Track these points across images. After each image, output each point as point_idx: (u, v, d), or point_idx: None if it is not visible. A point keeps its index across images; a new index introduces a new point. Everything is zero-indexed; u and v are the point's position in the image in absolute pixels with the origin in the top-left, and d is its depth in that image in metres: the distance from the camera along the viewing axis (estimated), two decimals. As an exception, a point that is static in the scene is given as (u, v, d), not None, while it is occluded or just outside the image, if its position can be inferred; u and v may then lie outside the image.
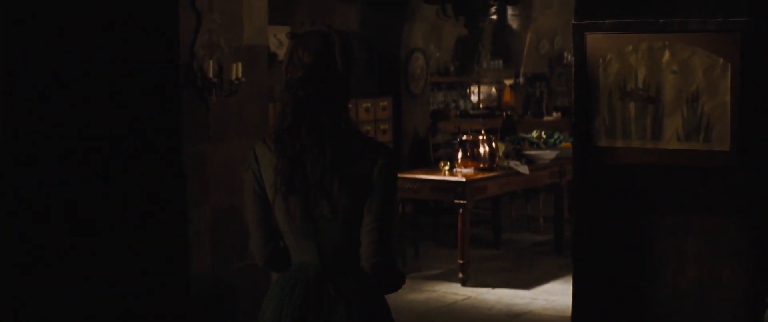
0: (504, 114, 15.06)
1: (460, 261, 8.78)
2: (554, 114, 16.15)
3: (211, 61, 6.86)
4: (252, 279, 7.26)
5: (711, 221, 4.97)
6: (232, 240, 7.20)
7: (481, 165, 9.12)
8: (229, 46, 7.07)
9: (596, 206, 5.18)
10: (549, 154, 9.85)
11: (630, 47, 4.96)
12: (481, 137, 9.19)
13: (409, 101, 13.04)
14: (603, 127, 4.99)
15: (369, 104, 12.26)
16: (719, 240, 4.98)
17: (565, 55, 16.88)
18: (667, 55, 4.95)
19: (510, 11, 16.10)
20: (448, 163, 9.23)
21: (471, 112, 14.77)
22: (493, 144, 9.22)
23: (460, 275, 8.84)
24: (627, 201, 5.09)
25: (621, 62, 4.98)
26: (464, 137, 9.25)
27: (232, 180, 7.09)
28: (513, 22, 16.20)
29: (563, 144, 10.32)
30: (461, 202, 8.68)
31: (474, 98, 15.41)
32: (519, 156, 9.76)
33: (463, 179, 8.71)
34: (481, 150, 9.13)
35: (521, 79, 16.33)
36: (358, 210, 3.28)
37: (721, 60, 4.90)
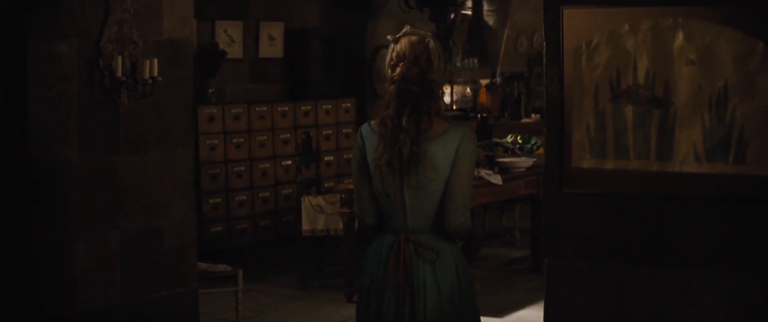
0: (479, 116, 14.03)
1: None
2: (533, 116, 15.17)
3: (121, 58, 5.81)
4: (177, 310, 6.25)
5: (741, 277, 3.68)
6: (150, 267, 6.16)
7: (448, 175, 8.05)
8: (144, 40, 6.03)
9: (575, 252, 3.94)
10: (525, 162, 8.81)
11: (626, 27, 3.65)
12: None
13: (375, 103, 12.01)
14: (586, 140, 3.73)
15: (330, 106, 11.25)
16: (752, 304, 3.66)
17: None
18: (680, 37, 3.63)
19: (486, 6, 15.12)
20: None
21: (444, 113, 13.69)
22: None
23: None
24: (620, 247, 3.83)
25: (613, 48, 3.72)
26: (428, 144, 8.20)
27: (150, 197, 6.05)
28: (489, 18, 15.19)
29: (541, 150, 9.30)
30: (424, 218, 7.64)
31: (447, 99, 14.35)
32: (492, 164, 8.72)
33: (426, 192, 7.67)
34: (447, 158, 8.07)
35: (498, 79, 15.33)
36: (442, 183, 3.92)
37: (761, 45, 3.62)
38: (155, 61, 5.99)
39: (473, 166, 4.01)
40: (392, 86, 4.02)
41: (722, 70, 3.58)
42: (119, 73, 5.83)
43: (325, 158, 10.82)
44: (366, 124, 4.14)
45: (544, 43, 4.05)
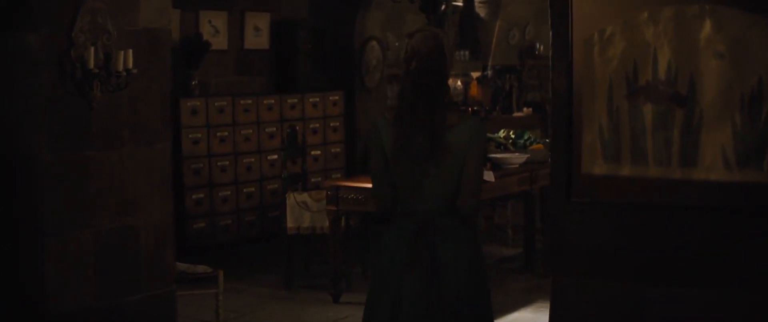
0: (470, 109, 13.72)
1: (412, 286, 7.45)
2: (525, 110, 14.88)
3: (94, 49, 5.52)
4: (154, 313, 5.98)
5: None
6: (126, 268, 5.88)
7: (438, 172, 7.77)
8: (119, 30, 5.73)
9: (585, 270, 3.57)
10: (518, 158, 8.53)
11: (645, 15, 3.31)
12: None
13: (364, 96, 11.75)
14: (599, 143, 3.39)
15: (317, 99, 10.96)
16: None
17: (538, 46, 15.68)
18: (707, 27, 3.30)
19: (477, -3, 14.79)
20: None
21: (434, 107, 13.39)
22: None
23: (413, 302, 7.51)
24: (636, 264, 3.45)
25: (630, 39, 3.38)
26: (417, 139, 7.91)
27: (125, 195, 5.77)
28: (481, 10, 14.88)
29: (535, 146, 9.04)
30: (412, 216, 7.36)
31: (438, 93, 14.05)
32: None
33: (415, 190, 7.39)
34: (438, 154, 7.79)
35: (489, 72, 15.02)
36: (455, 168, 4.19)
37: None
38: (130, 52, 5.70)
39: (485, 153, 4.47)
40: (408, 79, 4.27)
41: (756, 65, 3.22)
42: (92, 65, 5.54)
43: (312, 153, 10.55)
44: (380, 116, 4.39)
45: (551, 33, 3.72)
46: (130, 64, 5.67)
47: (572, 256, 3.65)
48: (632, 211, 3.48)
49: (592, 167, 3.50)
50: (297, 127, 9.20)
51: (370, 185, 7.56)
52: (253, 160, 10.22)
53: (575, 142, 3.51)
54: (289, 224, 8.25)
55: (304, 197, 8.27)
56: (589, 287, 3.63)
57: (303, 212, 8.23)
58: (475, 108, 13.89)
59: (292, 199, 8.26)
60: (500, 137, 9.24)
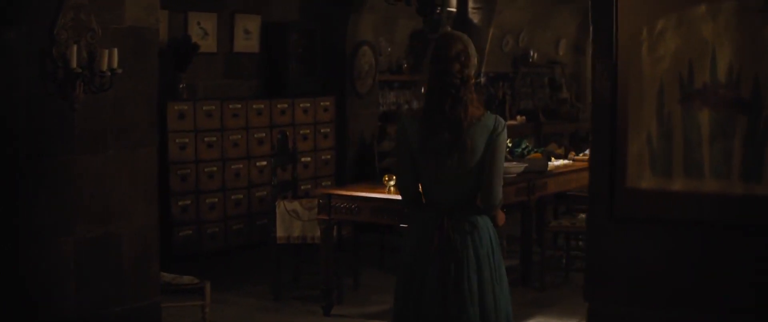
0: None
1: (406, 299, 7.17)
2: (519, 118, 14.67)
3: (77, 47, 5.24)
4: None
5: None
6: (108, 278, 5.59)
7: (434, 180, 7.50)
8: (103, 28, 5.45)
9: (628, 296, 3.13)
10: (516, 168, 8.25)
11: (702, 8, 2.93)
12: (433, 147, 7.58)
13: (355, 102, 11.47)
14: (647, 154, 3.02)
15: (308, 104, 10.68)
16: None
17: (531, 53, 15.47)
18: None
19: (471, 4, 14.51)
20: (394, 176, 7.60)
21: (426, 114, 13.12)
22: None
23: (407, 315, 7.22)
24: (687, 290, 2.98)
25: (684, 36, 3.02)
26: (413, 146, 7.63)
27: (108, 202, 5.48)
28: (474, 16, 14.60)
29: (532, 155, 8.75)
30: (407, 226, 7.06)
31: (430, 99, 13.78)
32: (479, 169, 8.16)
33: (410, 199, 7.10)
34: (434, 162, 7.52)
35: (482, 79, 14.76)
36: (476, 162, 4.49)
37: None
38: (115, 51, 5.43)
39: (505, 147, 4.67)
40: (435, 80, 4.54)
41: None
42: (74, 64, 5.29)
43: (302, 159, 10.26)
44: (407, 115, 4.83)
45: (591, 29, 3.37)
46: (115, 64, 5.41)
47: (613, 279, 3.33)
48: (684, 230, 3.11)
49: (638, 180, 3.17)
50: (287, 133, 8.90)
51: (362, 194, 7.48)
52: (241, 166, 9.94)
53: (619, 153, 3.16)
54: (279, 233, 7.96)
55: (295, 205, 7.98)
56: (632, 315, 3.25)
57: (293, 220, 7.95)
58: (398, 123, 13.59)
59: (282, 207, 7.97)
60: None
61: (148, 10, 5.79)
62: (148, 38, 5.81)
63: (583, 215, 8.59)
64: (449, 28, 4.55)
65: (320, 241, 7.59)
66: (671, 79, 3.12)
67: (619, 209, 3.18)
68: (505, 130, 4.58)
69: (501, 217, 4.74)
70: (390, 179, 7.60)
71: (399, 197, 7.10)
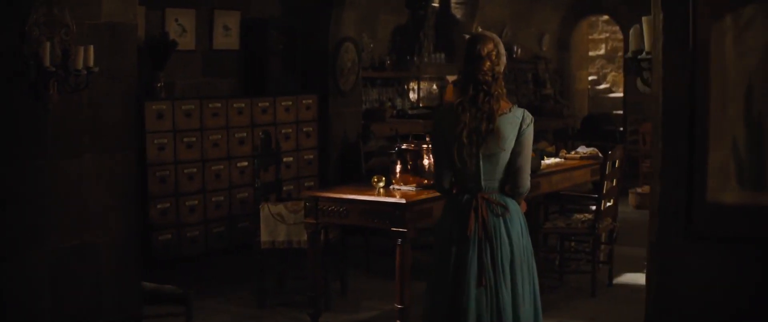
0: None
1: (399, 306, 6.83)
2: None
3: (50, 44, 4.89)
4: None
5: None
6: (86, 291, 5.25)
7: (425, 181, 7.19)
8: (78, 23, 5.10)
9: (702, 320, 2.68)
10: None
11: None
12: (424, 145, 7.26)
13: (338, 100, 11.15)
14: (732, 163, 2.58)
15: (290, 103, 10.37)
16: None
17: (515, 48, 15.19)
18: None
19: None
20: (383, 178, 7.29)
21: (409, 112, 12.84)
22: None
23: (399, 322, 6.92)
24: None
25: None
26: (404, 146, 7.31)
27: (85, 209, 5.13)
28: (457, 12, 14.32)
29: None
30: (400, 230, 6.75)
31: (413, 96, 13.48)
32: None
33: (403, 201, 6.78)
34: (425, 162, 7.20)
35: (466, 76, 14.44)
36: (508, 152, 4.95)
37: None
38: (91, 48, 5.12)
39: (532, 139, 5.02)
40: (470, 76, 5.01)
41: None
42: (48, 63, 4.99)
43: (285, 159, 9.93)
44: (441, 109, 5.31)
45: (661, 16, 2.94)
46: (91, 62, 5.10)
47: (685, 303, 2.94)
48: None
49: (721, 194, 2.79)
50: (270, 132, 8.58)
51: (350, 196, 7.15)
52: (222, 167, 9.62)
53: (697, 163, 2.76)
54: (264, 237, 7.63)
55: (280, 208, 7.66)
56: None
57: (278, 224, 7.62)
58: (433, 117, 13.32)
59: (267, 210, 7.64)
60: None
61: (125, 4, 5.47)
62: (126, 34, 5.50)
63: (578, 216, 8.31)
64: (480, 29, 5.20)
65: (307, 246, 7.27)
66: (761, 78, 2.70)
67: (697, 226, 2.79)
68: (533, 124, 5.01)
69: (523, 205, 5.22)
70: (379, 181, 7.29)
71: (390, 199, 6.99)
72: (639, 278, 8.53)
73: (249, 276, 8.35)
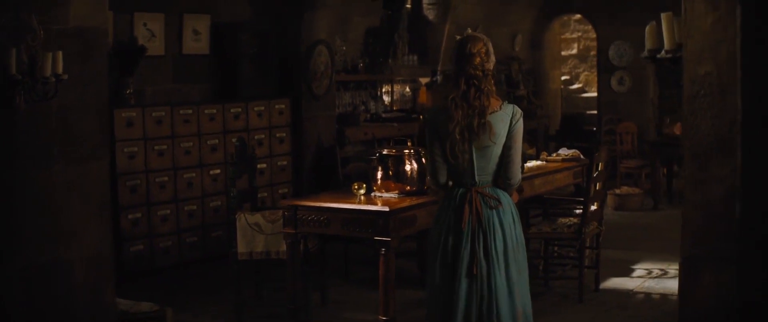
0: (421, 117, 12.93)
1: (384, 318, 6.58)
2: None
3: (16, 51, 4.61)
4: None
5: None
6: (57, 310, 4.97)
7: (407, 188, 6.97)
8: (46, 28, 4.82)
9: None
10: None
11: None
12: (406, 151, 7.03)
13: (312, 104, 10.91)
14: None
15: (262, 107, 10.11)
16: None
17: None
18: None
19: (426, 0, 14.00)
20: (364, 185, 7.05)
21: (383, 115, 12.61)
22: (423, 159, 7.06)
23: (383, 335, 6.68)
24: None
25: None
26: (385, 151, 7.07)
27: (56, 223, 4.86)
28: (429, 13, 14.10)
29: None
30: (384, 239, 6.51)
31: (386, 99, 13.25)
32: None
33: (386, 209, 6.54)
34: (407, 167, 6.98)
35: (439, 77, 14.24)
36: (500, 147, 5.23)
37: None
38: (60, 54, 4.83)
39: (522, 133, 5.27)
40: (462, 74, 5.19)
41: None
42: (14, 70, 4.68)
43: (258, 166, 9.66)
44: (433, 107, 5.34)
45: (739, 11, 2.60)
46: (60, 69, 4.81)
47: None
48: None
49: None
50: (245, 139, 8.32)
51: (331, 204, 6.90)
52: (194, 175, 9.35)
53: None
54: (241, 248, 7.37)
55: (257, 218, 7.39)
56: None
57: (256, 235, 7.36)
58: (425, 116, 13.11)
59: (243, 220, 7.38)
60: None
61: (95, 9, 5.20)
62: (95, 40, 5.23)
63: (562, 220, 8.10)
64: (470, 31, 5.40)
65: (287, 256, 7.02)
66: None
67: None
68: (522, 119, 5.27)
69: (515, 196, 5.46)
70: (359, 188, 7.06)
71: (372, 207, 6.75)
72: (626, 283, 8.36)
73: (224, 288, 8.09)
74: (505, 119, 5.21)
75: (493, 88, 5.25)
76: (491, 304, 5.21)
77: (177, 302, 7.43)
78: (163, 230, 9.03)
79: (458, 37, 5.31)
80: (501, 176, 5.30)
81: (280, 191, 10.36)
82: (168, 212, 9.08)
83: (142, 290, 7.30)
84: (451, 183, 5.34)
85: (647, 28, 4.75)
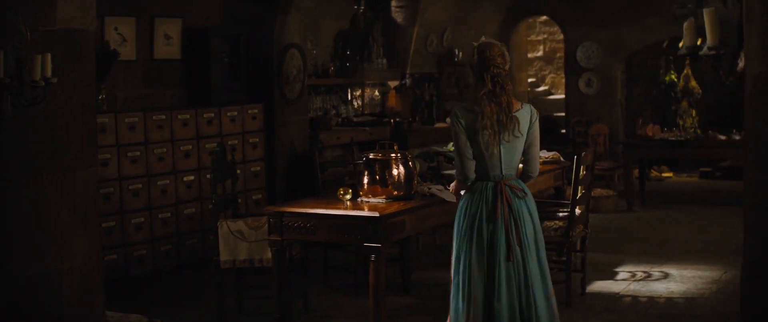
0: (392, 121, 12.81)
1: (375, 328, 6.43)
2: (448, 120, 13.97)
3: (4, 54, 4.41)
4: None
5: None
6: (46, 318, 4.77)
7: (395, 192, 6.82)
8: (32, 30, 4.62)
9: None
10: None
11: None
12: (393, 155, 6.88)
13: (284, 109, 10.72)
14: None
15: (235, 112, 9.91)
16: None
17: (457, 52, 14.86)
18: None
19: (394, 2, 13.87)
20: (349, 190, 6.90)
21: (355, 119, 12.45)
22: (410, 163, 6.92)
23: (373, 344, 6.52)
24: None
25: None
26: (371, 155, 6.92)
27: (44, 234, 4.66)
28: (397, 15, 13.97)
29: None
30: (374, 245, 6.35)
31: (356, 103, 13.09)
32: (437, 177, 7.51)
33: (376, 214, 6.38)
34: (394, 172, 6.83)
35: (408, 81, 14.12)
36: (522, 142, 5.71)
37: None
38: (49, 57, 4.61)
39: (539, 131, 5.78)
40: (486, 73, 5.64)
41: None
42: (1, 74, 4.44)
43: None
44: (459, 106, 5.74)
45: None
46: (49, 73, 4.59)
47: None
48: None
49: None
50: (224, 144, 8.12)
51: (318, 211, 6.73)
52: (167, 182, 9.14)
53: None
54: (223, 257, 7.18)
55: (240, 225, 7.21)
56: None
57: (238, 242, 7.18)
58: (398, 119, 12.98)
59: (226, 227, 7.20)
60: (450, 150, 8.29)
61: (83, 9, 4.99)
62: (83, 42, 5.01)
63: (547, 223, 7.97)
64: (484, 38, 5.86)
65: (272, 264, 6.84)
66: None
67: None
68: (538, 116, 5.77)
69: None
70: (346, 193, 6.90)
71: (361, 213, 6.57)
72: (611, 286, 8.26)
73: (201, 296, 7.91)
74: (526, 117, 5.68)
75: (511, 89, 5.73)
76: (528, 288, 5.64)
77: (157, 313, 7.23)
78: (137, 238, 8.82)
79: (475, 44, 5.74)
80: (523, 169, 5.81)
81: (253, 197, 10.18)
82: (142, 219, 8.86)
83: (116, 300, 7.08)
84: (477, 177, 5.70)
85: (685, 25, 4.63)
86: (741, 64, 4.20)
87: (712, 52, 4.40)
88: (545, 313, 5.72)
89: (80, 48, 4.99)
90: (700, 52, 4.49)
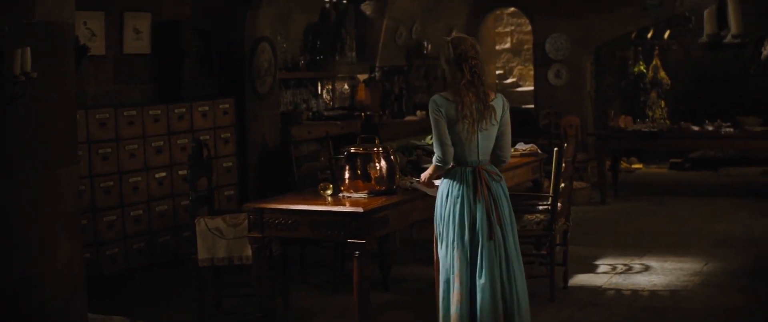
0: (363, 115, 12.68)
1: (360, 323, 6.31)
2: (418, 113, 13.90)
3: (-18, 48, 4.25)
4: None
5: None
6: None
7: (377, 187, 6.69)
8: (11, 24, 4.44)
9: None
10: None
11: None
12: (375, 149, 6.75)
13: (256, 103, 10.56)
14: None
15: (206, 108, 9.75)
16: None
17: (426, 44, 14.74)
18: None
19: (362, -5, 13.73)
20: (330, 185, 6.77)
21: (325, 114, 12.30)
22: (392, 157, 6.79)
23: (358, 342, 6.39)
24: None
25: None
26: (353, 149, 6.78)
27: (25, 234, 4.49)
28: (367, 8, 13.83)
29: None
30: (358, 242, 6.22)
31: (327, 97, 12.94)
32: (417, 171, 7.39)
33: (360, 210, 6.25)
34: (377, 166, 6.70)
35: (377, 74, 13.98)
36: (496, 130, 6.04)
37: None
38: (28, 51, 4.44)
39: (509, 118, 6.11)
40: (463, 64, 5.93)
41: None
42: (-20, 69, 4.27)
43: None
44: (438, 96, 5.95)
45: None
46: (29, 67, 4.42)
47: None
48: None
49: None
50: (202, 140, 7.96)
51: (300, 207, 6.60)
52: (139, 179, 8.96)
53: None
54: (202, 255, 7.03)
55: (218, 222, 7.06)
56: None
57: (217, 240, 7.03)
58: (369, 113, 12.85)
59: (203, 225, 7.04)
60: (429, 143, 8.16)
61: (61, 4, 4.81)
62: (63, 35, 4.84)
63: (528, 216, 7.87)
64: (456, 33, 6.34)
65: (252, 261, 6.69)
66: None
67: None
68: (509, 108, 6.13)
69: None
70: (326, 188, 6.77)
71: (345, 208, 6.43)
72: (593, 279, 8.18)
73: (178, 295, 7.75)
74: (500, 106, 6.02)
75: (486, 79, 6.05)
76: (509, 264, 5.97)
77: (136, 313, 7.08)
78: (109, 236, 8.63)
79: (448, 39, 6.05)
80: (495, 155, 6.08)
81: (226, 193, 10.02)
82: (114, 217, 8.68)
83: (93, 300, 6.91)
84: (454, 163, 5.98)
85: (706, 12, 4.51)
86: (765, 52, 4.11)
87: (737, 41, 4.30)
88: (523, 288, 6.05)
89: (59, 42, 4.82)
90: (725, 41, 4.39)
